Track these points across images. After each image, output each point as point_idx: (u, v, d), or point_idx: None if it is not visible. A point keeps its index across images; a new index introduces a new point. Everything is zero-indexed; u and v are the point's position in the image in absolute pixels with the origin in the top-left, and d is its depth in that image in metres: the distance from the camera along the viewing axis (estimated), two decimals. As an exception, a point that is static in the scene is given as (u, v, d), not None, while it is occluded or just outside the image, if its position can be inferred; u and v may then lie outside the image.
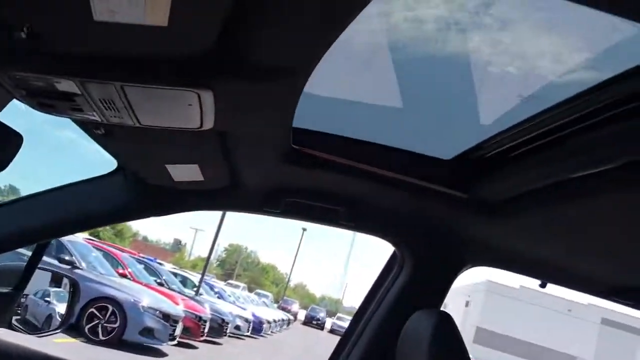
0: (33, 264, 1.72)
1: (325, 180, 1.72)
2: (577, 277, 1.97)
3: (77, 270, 9.06)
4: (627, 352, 35.74)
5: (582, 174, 1.23)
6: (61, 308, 2.06)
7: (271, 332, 21.03)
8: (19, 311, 1.86)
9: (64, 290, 2.16)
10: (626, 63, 1.00)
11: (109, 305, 9.40)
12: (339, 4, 0.84)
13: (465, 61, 1.46)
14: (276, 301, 43.21)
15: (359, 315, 2.05)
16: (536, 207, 1.48)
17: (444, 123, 1.68)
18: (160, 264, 18.64)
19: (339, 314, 45.53)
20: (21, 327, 1.87)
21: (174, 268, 21.07)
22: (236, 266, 66.62)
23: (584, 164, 1.20)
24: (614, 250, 1.62)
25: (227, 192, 1.82)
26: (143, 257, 16.83)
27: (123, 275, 11.66)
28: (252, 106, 1.21)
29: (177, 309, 10.79)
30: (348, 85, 1.61)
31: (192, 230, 59.93)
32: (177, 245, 61.82)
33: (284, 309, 34.76)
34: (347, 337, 2.04)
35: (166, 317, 9.93)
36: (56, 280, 2.26)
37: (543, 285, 2.07)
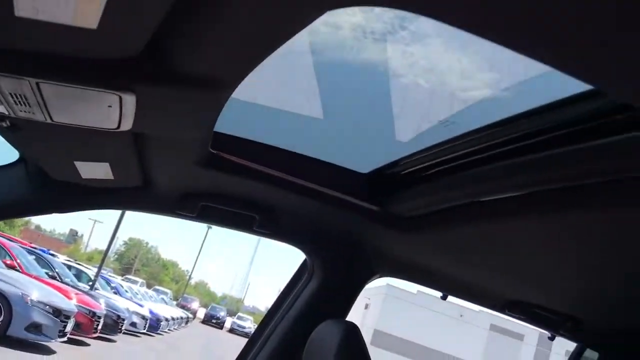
0: None
1: (242, 187, 1.70)
2: (474, 290, 2.09)
3: (-41, 260, 8.39)
4: (511, 355, 38.06)
5: (487, 199, 1.30)
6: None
7: (169, 329, 20.50)
8: None
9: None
10: (537, 99, 1.08)
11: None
12: (277, 22, 0.84)
13: (384, 77, 1.50)
14: (176, 298, 42.17)
15: (266, 321, 2.05)
16: (443, 225, 1.55)
17: (362, 138, 1.72)
18: (53, 255, 17.64)
19: (239, 314, 45.17)
20: None
21: (69, 260, 20.03)
22: (135, 261, 64.40)
23: (490, 189, 1.27)
24: (508, 269, 1.73)
25: (139, 193, 1.76)
26: (34, 248, 15.88)
27: (11, 267, 10.91)
28: (175, 112, 1.18)
29: (70, 304, 10.26)
30: (271, 92, 1.60)
31: (91, 221, 57.20)
32: (73, 237, 58.79)
33: (183, 307, 33.99)
34: (252, 343, 2.03)
35: (57, 312, 9.40)
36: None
37: (444, 297, 2.17)
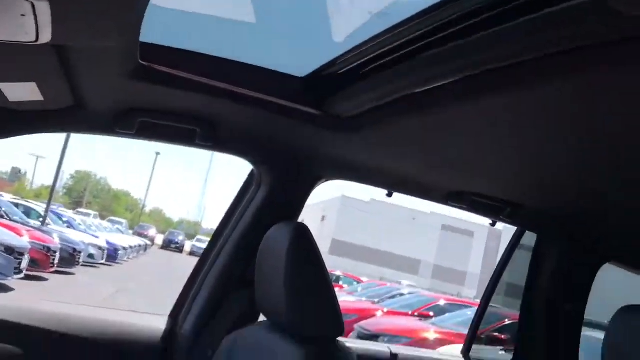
0: None
1: (179, 99, 1.66)
2: (417, 185, 2.16)
3: None
4: (462, 252, 40.16)
5: (425, 89, 1.31)
6: None
7: (127, 258, 20.53)
8: None
9: None
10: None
11: None
12: None
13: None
14: (131, 228, 41.97)
15: (218, 233, 2.08)
16: (383, 121, 1.57)
17: (297, 40, 1.69)
18: (-2, 195, 17.16)
19: (198, 236, 45.45)
20: None
21: (15, 198, 19.53)
22: (85, 194, 63.20)
23: (425, 79, 1.28)
24: (448, 160, 1.79)
25: (73, 113, 1.69)
26: (-24, 189, 15.35)
27: (-46, 210, 10.60)
28: (92, 19, 1.11)
29: (22, 241, 10.10)
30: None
31: (33, 157, 55.29)
32: (16, 174, 56.90)
33: (140, 235, 33.96)
34: (206, 256, 2.06)
35: (9, 250, 9.25)
36: None
37: (389, 195, 2.24)
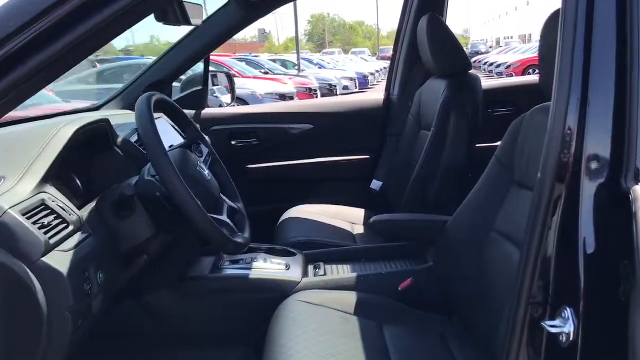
0: (206, 72, 2.69)
1: None
2: None
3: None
4: None
5: None
6: (225, 98, 3.17)
7: (377, 82, 22.01)
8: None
9: (221, 86, 3.21)
10: None
11: (235, 104, 10.83)
12: None
13: None
14: (374, 54, 43.77)
15: None
16: None
17: None
18: (256, 56, 19.84)
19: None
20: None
21: (270, 55, 22.12)
22: (324, 34, 66.71)
23: None
24: None
25: None
26: (241, 56, 18.08)
27: (232, 76, 12.93)
28: None
29: (289, 88, 12.11)
30: None
31: (271, 16, 59.46)
32: (263, 35, 62.56)
33: (383, 59, 35.40)
34: None
35: (282, 96, 11.30)
36: (214, 82, 3.29)
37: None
